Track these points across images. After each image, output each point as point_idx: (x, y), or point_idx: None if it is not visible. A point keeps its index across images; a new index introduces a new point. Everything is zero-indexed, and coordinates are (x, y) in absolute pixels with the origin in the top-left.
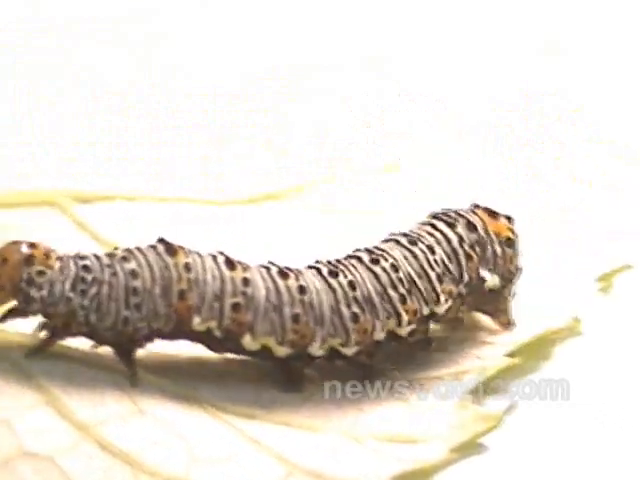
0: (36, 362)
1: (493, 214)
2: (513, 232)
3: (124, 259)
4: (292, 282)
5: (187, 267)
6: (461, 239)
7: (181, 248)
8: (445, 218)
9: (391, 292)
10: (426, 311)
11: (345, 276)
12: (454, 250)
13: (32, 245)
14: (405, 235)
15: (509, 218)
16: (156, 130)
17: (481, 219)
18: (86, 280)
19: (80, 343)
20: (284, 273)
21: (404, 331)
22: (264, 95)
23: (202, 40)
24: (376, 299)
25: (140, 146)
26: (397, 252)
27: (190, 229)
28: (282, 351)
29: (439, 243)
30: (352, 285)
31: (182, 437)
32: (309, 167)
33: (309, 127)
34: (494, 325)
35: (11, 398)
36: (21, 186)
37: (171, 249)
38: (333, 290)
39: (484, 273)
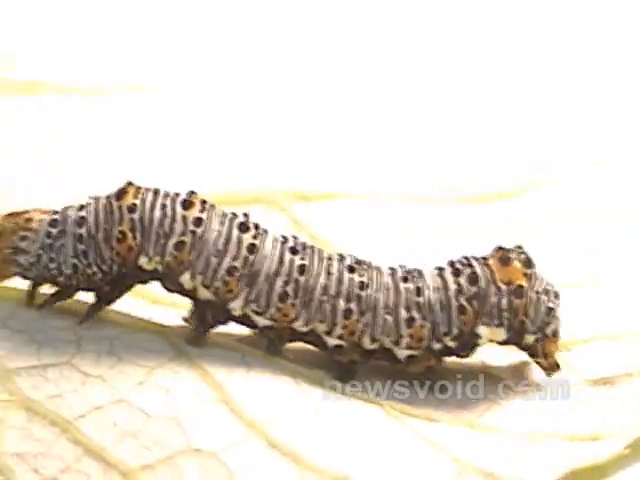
0: (210, 359)
1: (507, 260)
2: (530, 277)
3: (80, 208)
4: (297, 258)
5: (130, 208)
6: (459, 290)
7: (133, 190)
8: (455, 265)
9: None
10: (368, 343)
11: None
12: (448, 300)
13: (14, 214)
14: (408, 272)
15: (527, 261)
16: (372, 128)
17: (490, 269)
18: (51, 234)
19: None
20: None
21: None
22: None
23: None
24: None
25: (359, 144)
26: (383, 280)
27: (410, 229)
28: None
29: (437, 290)
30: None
31: (355, 438)
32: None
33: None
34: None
35: (185, 395)
36: (242, 185)
37: (121, 192)
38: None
39: (480, 329)
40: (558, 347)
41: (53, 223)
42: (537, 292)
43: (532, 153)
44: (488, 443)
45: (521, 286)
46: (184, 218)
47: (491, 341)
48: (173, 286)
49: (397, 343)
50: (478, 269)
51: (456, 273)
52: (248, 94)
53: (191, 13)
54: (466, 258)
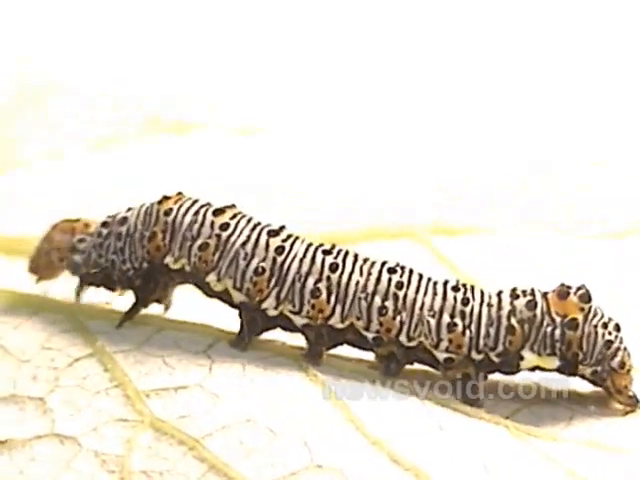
0: (335, 378)
1: (564, 295)
2: (587, 311)
3: (127, 210)
4: (329, 258)
5: (166, 212)
6: (513, 311)
7: (175, 197)
8: (516, 291)
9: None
10: (405, 341)
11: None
12: (499, 317)
13: (75, 220)
14: (458, 282)
15: (585, 296)
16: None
17: (547, 301)
18: (101, 234)
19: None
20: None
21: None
22: None
23: None
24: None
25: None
26: (429, 285)
27: (552, 263)
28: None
29: (489, 305)
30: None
31: (478, 457)
32: None
33: None
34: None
35: (310, 413)
36: (385, 220)
37: (163, 198)
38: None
39: (526, 352)
40: (630, 381)
41: (104, 224)
42: (595, 326)
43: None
44: (616, 464)
45: (575, 319)
46: (212, 223)
47: (545, 369)
48: (202, 287)
49: (437, 346)
50: (538, 299)
51: (514, 296)
52: (373, 128)
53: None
54: (532, 289)
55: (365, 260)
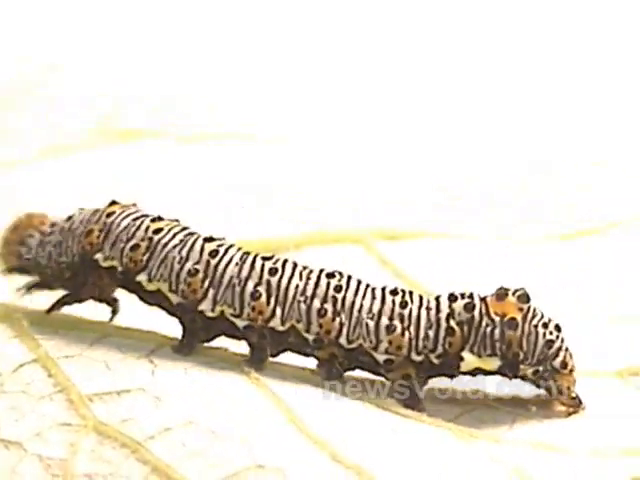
0: (277, 381)
1: (502, 296)
2: (525, 311)
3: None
4: (268, 263)
5: (108, 214)
6: (451, 314)
7: (125, 204)
8: (454, 294)
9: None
10: (345, 342)
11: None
12: (438, 320)
13: (34, 215)
14: (396, 288)
15: (524, 297)
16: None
17: (486, 303)
18: (46, 232)
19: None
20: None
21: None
22: None
23: None
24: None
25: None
26: (366, 288)
27: (498, 267)
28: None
29: (428, 309)
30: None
31: (422, 455)
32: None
33: None
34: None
35: (252, 415)
36: (329, 225)
37: (112, 203)
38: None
39: (466, 354)
40: (572, 381)
41: (53, 223)
42: (535, 326)
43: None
44: (561, 463)
45: (514, 318)
46: (147, 228)
47: (488, 373)
48: (136, 290)
49: (376, 348)
50: (476, 301)
51: (452, 299)
52: (333, 136)
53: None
54: (470, 293)
55: (304, 267)
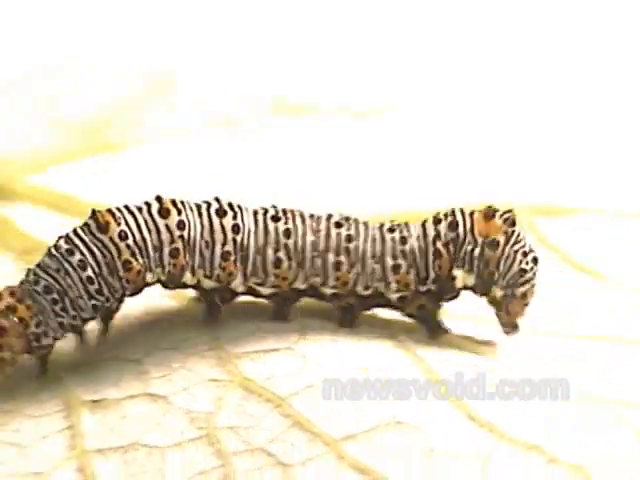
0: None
1: (490, 216)
2: (509, 235)
3: (69, 252)
4: (280, 224)
5: (121, 236)
6: (437, 236)
7: (110, 218)
8: (438, 215)
9: (329, 255)
10: (363, 291)
11: (234, 217)
12: (426, 245)
13: (10, 308)
14: (392, 223)
15: (511, 221)
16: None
17: (472, 221)
18: (56, 300)
19: None
20: (276, 217)
21: (327, 291)
22: None
23: None
24: (252, 253)
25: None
26: (367, 230)
27: None
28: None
29: (417, 238)
30: (287, 232)
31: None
32: None
33: None
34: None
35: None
36: (488, 199)
37: (101, 226)
38: (267, 232)
39: (456, 272)
40: (523, 312)
41: (46, 289)
42: (514, 251)
43: None
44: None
45: (496, 240)
46: (167, 227)
47: (465, 288)
48: (176, 286)
49: (387, 288)
50: (459, 218)
51: (437, 222)
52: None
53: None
54: (452, 210)
55: (311, 216)
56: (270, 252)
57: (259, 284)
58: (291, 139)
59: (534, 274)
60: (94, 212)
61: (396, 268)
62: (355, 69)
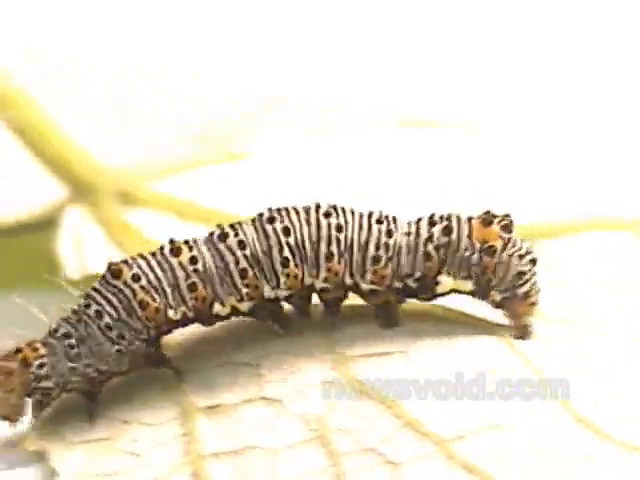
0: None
1: (488, 222)
2: (506, 241)
3: (86, 306)
4: (231, 240)
5: (134, 279)
6: (430, 238)
7: (123, 265)
8: (433, 217)
9: (275, 254)
10: (348, 280)
11: (236, 235)
12: (417, 245)
13: (18, 350)
14: (384, 216)
15: (508, 227)
16: None
17: (471, 227)
18: (72, 345)
19: None
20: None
21: (318, 285)
22: None
23: None
24: (262, 258)
25: None
26: (355, 219)
27: None
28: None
29: (408, 234)
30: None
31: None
32: None
33: None
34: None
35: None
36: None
37: (114, 271)
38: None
39: (442, 277)
40: (529, 312)
41: (67, 336)
42: (510, 255)
43: None
44: None
45: (493, 246)
46: (180, 264)
47: (461, 292)
48: (211, 320)
49: (363, 277)
50: (454, 223)
51: (432, 223)
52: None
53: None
54: (449, 215)
55: (352, 213)
56: (275, 254)
57: (276, 286)
58: (412, 151)
59: (533, 274)
60: (109, 264)
61: (376, 259)
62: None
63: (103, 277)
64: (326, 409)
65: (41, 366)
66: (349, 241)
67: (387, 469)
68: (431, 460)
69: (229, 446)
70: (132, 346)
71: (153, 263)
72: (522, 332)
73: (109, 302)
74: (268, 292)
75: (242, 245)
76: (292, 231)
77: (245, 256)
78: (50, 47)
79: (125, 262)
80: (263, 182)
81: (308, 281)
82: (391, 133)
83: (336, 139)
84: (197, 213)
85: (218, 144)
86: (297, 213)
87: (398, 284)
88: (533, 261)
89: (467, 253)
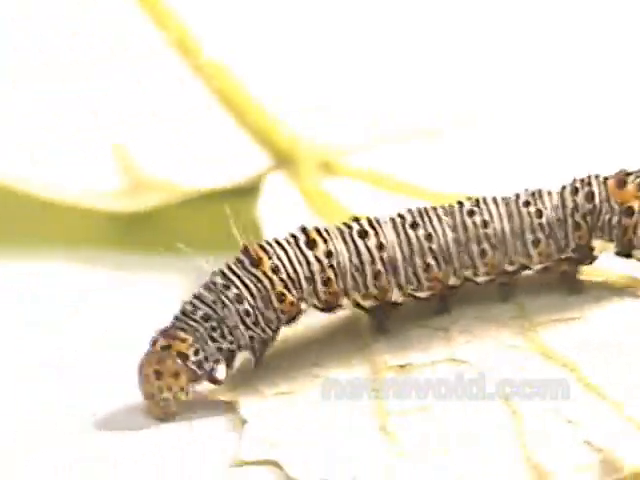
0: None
1: (623, 183)
2: None
3: (225, 287)
4: (420, 231)
5: (273, 270)
6: (575, 208)
7: (262, 253)
8: (575, 184)
9: (472, 246)
10: (509, 267)
11: (424, 227)
12: (565, 217)
13: (168, 346)
14: (530, 195)
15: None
16: None
17: (607, 189)
18: (215, 327)
19: None
20: (414, 224)
21: (480, 279)
22: None
23: None
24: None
25: None
26: (500, 209)
27: None
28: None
29: (555, 209)
30: (429, 237)
31: None
32: None
33: None
34: None
35: None
36: None
37: (254, 260)
38: (409, 242)
39: (595, 242)
40: None
41: (205, 317)
42: None
43: None
44: None
45: (631, 207)
46: (317, 258)
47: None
48: (333, 310)
49: (530, 261)
50: (595, 188)
51: (574, 192)
52: None
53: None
54: (588, 177)
55: (445, 211)
56: (418, 259)
57: (415, 289)
58: None
59: None
60: (246, 248)
61: (536, 242)
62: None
63: (241, 262)
64: (509, 372)
65: (196, 353)
66: (499, 234)
67: (568, 428)
68: (608, 420)
69: (415, 403)
70: (263, 334)
71: (291, 254)
72: None
73: (247, 288)
74: (397, 296)
75: (380, 247)
76: (435, 237)
77: (382, 258)
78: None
79: (262, 249)
80: (458, 159)
81: (450, 282)
82: None
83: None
84: (395, 186)
85: (416, 121)
86: (439, 219)
87: (560, 256)
88: None
89: (607, 216)
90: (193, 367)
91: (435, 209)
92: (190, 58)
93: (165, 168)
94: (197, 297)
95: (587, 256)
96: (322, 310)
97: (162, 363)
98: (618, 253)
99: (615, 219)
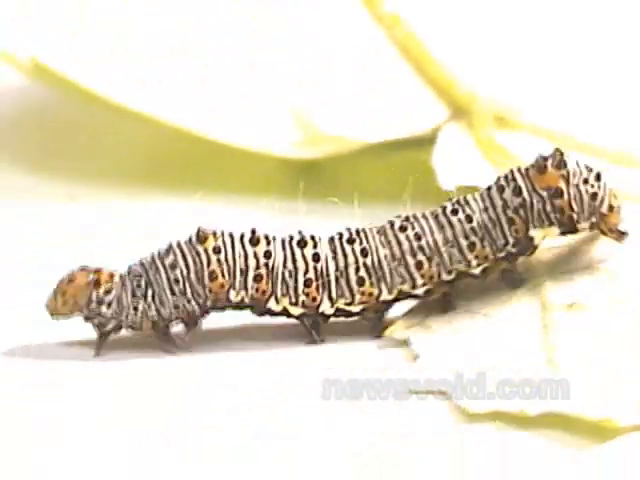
0: None
1: (543, 168)
2: (566, 176)
3: (166, 254)
4: (308, 250)
5: (215, 250)
6: (505, 205)
7: (211, 234)
8: (498, 182)
9: (409, 258)
10: (446, 276)
11: (360, 243)
12: (497, 216)
13: (97, 270)
14: (454, 204)
15: (561, 163)
16: None
17: (529, 180)
18: (140, 285)
19: None
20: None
21: (419, 291)
22: None
23: None
24: (388, 265)
25: None
26: (430, 222)
27: None
28: (296, 311)
29: (485, 210)
30: (364, 252)
31: None
32: None
33: None
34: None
35: None
36: None
37: (201, 237)
38: (345, 255)
39: (533, 232)
40: (619, 219)
41: (138, 274)
42: (576, 185)
43: None
44: None
45: (559, 188)
46: (255, 254)
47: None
48: (263, 312)
49: (469, 266)
50: (520, 181)
51: (501, 190)
52: None
53: None
54: (511, 171)
55: (378, 231)
56: (352, 272)
57: (348, 304)
58: None
59: (605, 188)
60: (199, 230)
61: (471, 246)
62: None
63: (189, 239)
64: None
65: (107, 292)
66: (432, 246)
67: None
68: None
69: (584, 338)
70: (188, 305)
71: (236, 245)
72: (620, 238)
73: (184, 259)
74: (327, 307)
75: (316, 258)
76: (369, 252)
77: (315, 268)
78: None
79: (213, 233)
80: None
81: (383, 297)
82: None
83: None
84: (565, 141)
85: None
86: (372, 236)
87: (502, 254)
88: (598, 176)
89: (540, 205)
90: (93, 295)
91: (370, 229)
92: (371, 8)
93: (342, 122)
94: (140, 262)
95: (528, 247)
96: (252, 311)
97: (78, 273)
98: (563, 233)
99: (548, 205)
